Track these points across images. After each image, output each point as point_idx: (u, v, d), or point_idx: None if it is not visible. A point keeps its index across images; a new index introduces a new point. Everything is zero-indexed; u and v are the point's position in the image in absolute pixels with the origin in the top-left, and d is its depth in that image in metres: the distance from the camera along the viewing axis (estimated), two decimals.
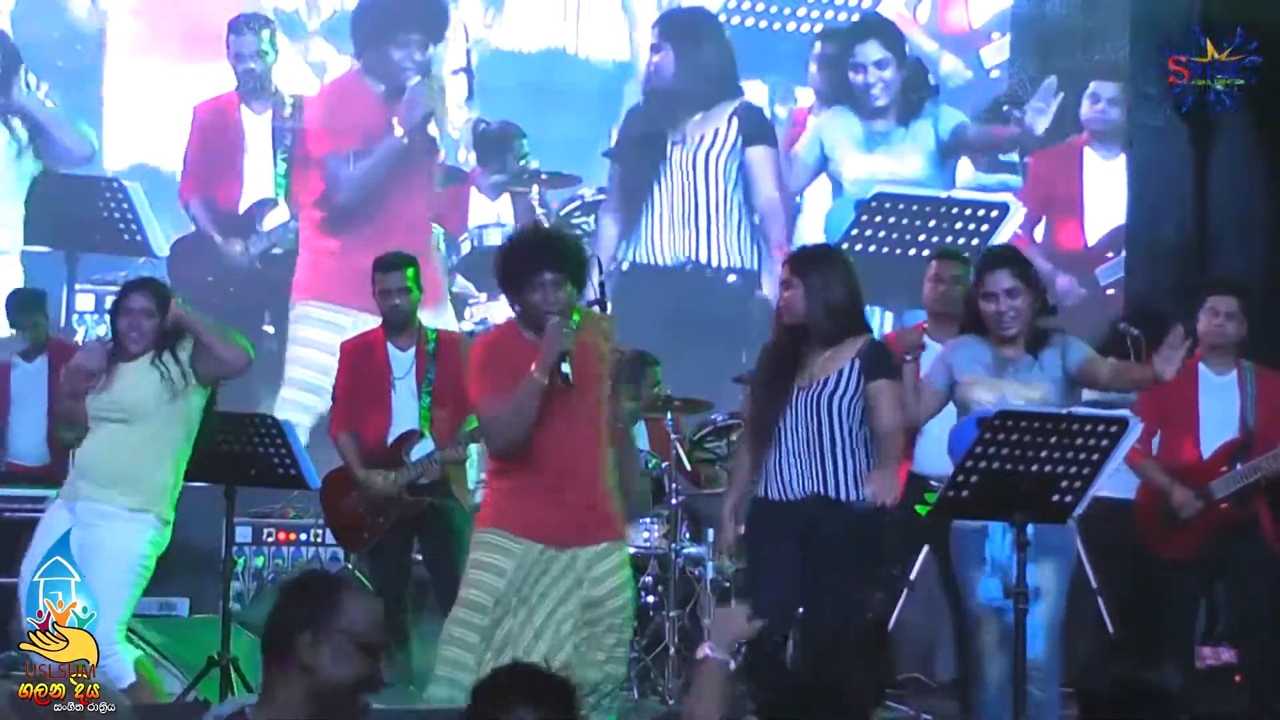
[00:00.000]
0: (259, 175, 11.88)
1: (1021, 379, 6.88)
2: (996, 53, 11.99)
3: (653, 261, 11.67)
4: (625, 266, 11.65)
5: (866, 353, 6.88)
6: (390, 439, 8.63)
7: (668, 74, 11.68)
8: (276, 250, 11.79)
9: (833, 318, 6.86)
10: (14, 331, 10.28)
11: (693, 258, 11.64)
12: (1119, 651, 8.24)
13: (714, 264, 11.62)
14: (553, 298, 6.57)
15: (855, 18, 12.14)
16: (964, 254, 8.86)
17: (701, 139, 11.62)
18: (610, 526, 6.71)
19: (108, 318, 7.72)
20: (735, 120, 11.61)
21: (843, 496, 6.86)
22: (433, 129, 11.70)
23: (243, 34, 11.74)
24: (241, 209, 11.83)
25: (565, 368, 6.54)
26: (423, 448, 8.62)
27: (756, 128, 11.67)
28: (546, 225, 7.08)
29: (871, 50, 11.64)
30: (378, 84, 11.71)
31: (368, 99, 11.71)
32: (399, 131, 11.64)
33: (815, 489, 6.87)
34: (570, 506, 6.63)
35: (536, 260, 6.61)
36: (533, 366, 6.54)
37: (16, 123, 11.67)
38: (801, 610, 6.91)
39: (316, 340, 11.43)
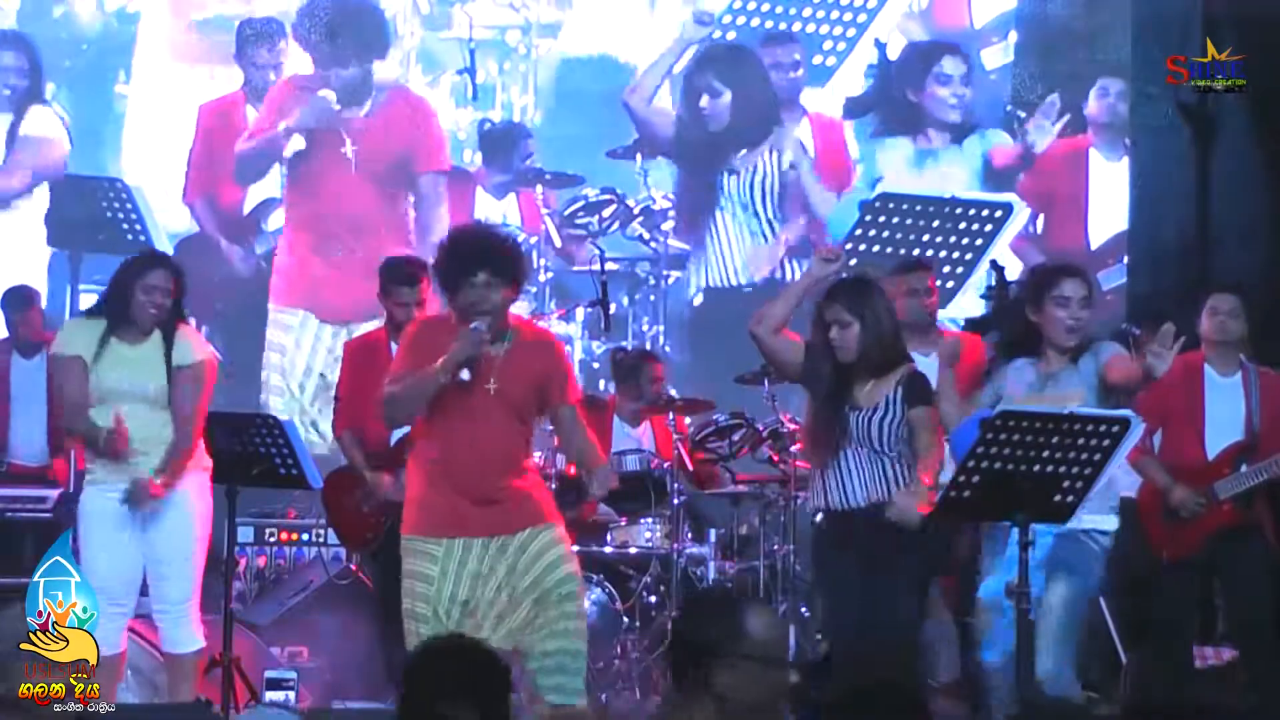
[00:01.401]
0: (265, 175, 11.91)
1: (1060, 390, 7.01)
2: (999, 54, 11.98)
3: (725, 282, 11.81)
4: (694, 285, 11.83)
5: (906, 381, 7.12)
6: (394, 439, 8.60)
7: (724, 118, 11.76)
8: None
9: (884, 351, 7.11)
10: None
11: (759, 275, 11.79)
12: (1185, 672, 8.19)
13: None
14: (485, 299, 6.72)
15: (861, 18, 12.14)
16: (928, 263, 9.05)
17: (754, 168, 11.73)
18: (532, 514, 6.87)
19: (112, 285, 7.65)
20: (776, 153, 11.69)
21: None
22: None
23: (259, 38, 11.73)
24: (246, 209, 11.83)
25: (465, 374, 6.72)
26: None
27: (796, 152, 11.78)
28: (483, 225, 7.18)
29: (958, 65, 11.68)
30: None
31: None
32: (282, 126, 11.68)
33: (876, 498, 7.10)
34: (477, 500, 6.81)
35: (469, 262, 6.74)
36: (437, 363, 6.72)
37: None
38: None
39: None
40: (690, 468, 9.36)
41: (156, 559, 7.46)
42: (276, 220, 11.83)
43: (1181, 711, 4.62)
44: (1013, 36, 11.92)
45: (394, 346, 8.55)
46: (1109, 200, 11.53)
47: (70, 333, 7.72)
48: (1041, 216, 11.76)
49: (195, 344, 7.62)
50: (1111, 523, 7.06)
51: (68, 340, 7.61)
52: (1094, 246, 11.58)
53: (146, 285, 7.47)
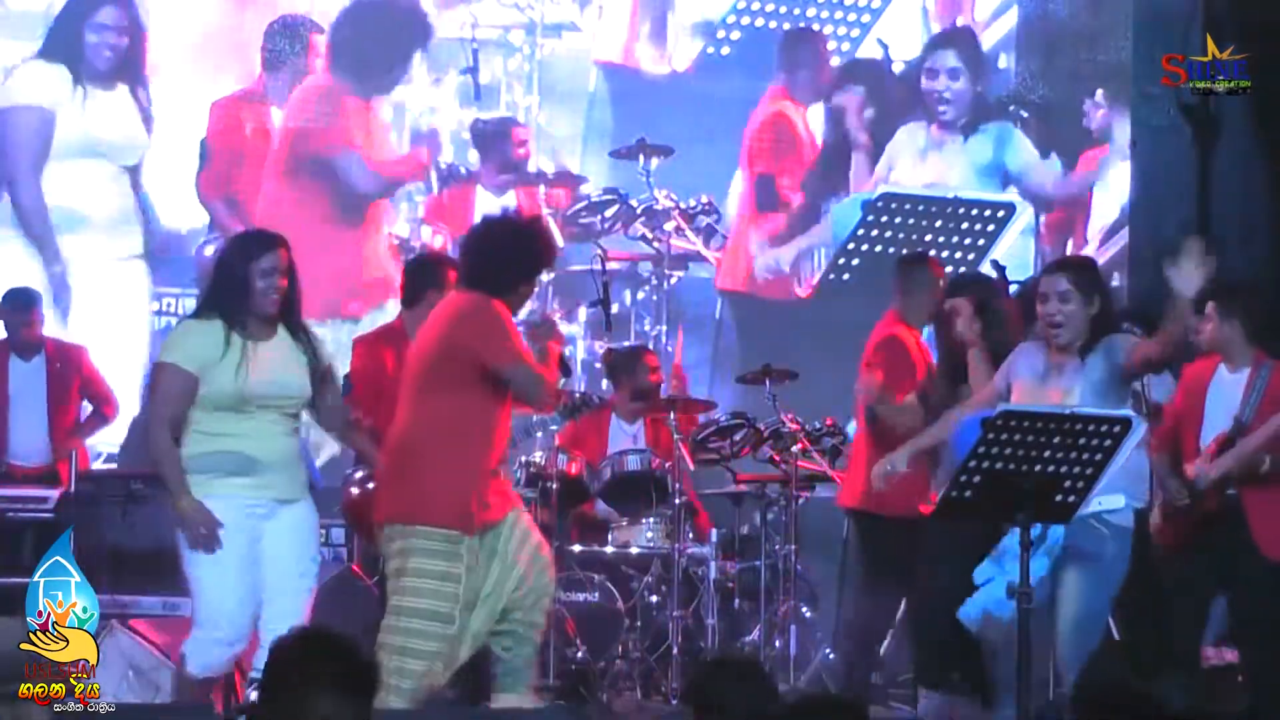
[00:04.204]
0: None
1: (1063, 384, 7.03)
2: (1003, 55, 12.00)
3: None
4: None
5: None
6: None
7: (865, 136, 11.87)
8: None
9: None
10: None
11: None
12: (1120, 657, 8.24)
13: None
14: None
15: (865, 18, 12.15)
16: None
17: None
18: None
19: (221, 275, 6.80)
20: None
21: None
22: None
23: (293, 36, 11.74)
24: None
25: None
26: None
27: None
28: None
29: (947, 59, 11.68)
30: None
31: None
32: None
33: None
34: (499, 484, 6.99)
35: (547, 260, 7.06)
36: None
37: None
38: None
39: None
40: (691, 468, 9.34)
41: (274, 575, 6.83)
42: None
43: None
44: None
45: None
46: (1112, 200, 11.54)
47: (181, 339, 6.82)
48: (1043, 217, 11.77)
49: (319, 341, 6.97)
50: (1118, 501, 6.99)
51: (176, 346, 6.76)
52: (1097, 246, 11.58)
53: (264, 269, 6.64)
